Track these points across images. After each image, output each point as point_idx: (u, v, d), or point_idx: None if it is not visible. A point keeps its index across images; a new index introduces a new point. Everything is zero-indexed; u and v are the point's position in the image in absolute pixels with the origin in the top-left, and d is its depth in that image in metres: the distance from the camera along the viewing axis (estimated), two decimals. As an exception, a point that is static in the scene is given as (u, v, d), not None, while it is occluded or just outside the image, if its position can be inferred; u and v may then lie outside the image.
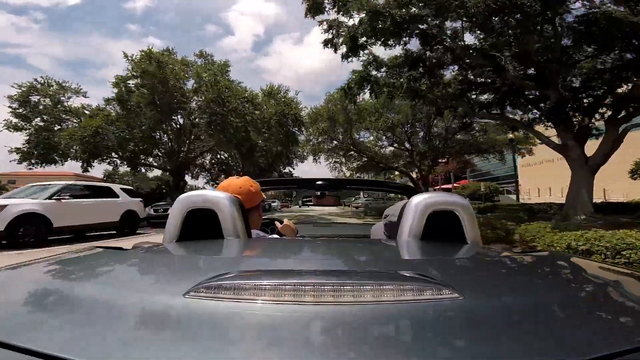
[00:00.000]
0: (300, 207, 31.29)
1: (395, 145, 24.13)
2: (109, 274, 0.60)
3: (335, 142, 23.99)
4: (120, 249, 0.77)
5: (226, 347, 0.32)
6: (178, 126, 18.40)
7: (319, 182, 1.90)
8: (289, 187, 3.20)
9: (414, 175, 24.90)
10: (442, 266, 0.64)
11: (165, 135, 18.86)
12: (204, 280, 0.42)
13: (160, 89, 16.06)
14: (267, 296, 0.39)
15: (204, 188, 33.85)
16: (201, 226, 0.88)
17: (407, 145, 23.40)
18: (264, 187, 1.56)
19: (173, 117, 17.36)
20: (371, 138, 24.94)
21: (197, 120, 17.34)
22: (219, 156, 30.42)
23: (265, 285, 0.41)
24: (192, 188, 26.15)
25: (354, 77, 16.67)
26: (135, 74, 16.29)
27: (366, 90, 17.51)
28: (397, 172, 29.70)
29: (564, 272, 0.67)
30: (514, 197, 33.38)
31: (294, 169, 42.37)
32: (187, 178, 34.96)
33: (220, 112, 16.40)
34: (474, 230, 0.87)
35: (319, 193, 1.97)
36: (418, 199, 0.88)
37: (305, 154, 25.96)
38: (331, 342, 0.33)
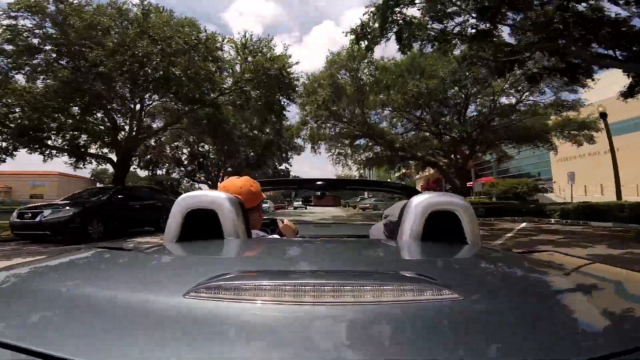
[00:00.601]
0: (295, 209, 25.62)
1: (416, 128, 18.44)
2: (109, 274, 0.59)
3: (339, 125, 18.25)
4: (121, 249, 0.78)
5: (226, 348, 0.32)
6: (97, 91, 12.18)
7: (319, 182, 1.96)
8: (289, 188, 3.25)
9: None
10: (442, 266, 0.64)
11: (78, 104, 12.77)
12: (204, 281, 0.42)
13: (52, 32, 10.26)
14: (267, 296, 0.39)
15: (172, 182, 29.21)
16: (201, 226, 0.87)
17: (433, 128, 17.75)
18: (264, 187, 1.47)
19: (93, 79, 11.31)
20: (384, 124, 19.27)
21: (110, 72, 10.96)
22: (195, 147, 24.85)
23: (265, 285, 0.41)
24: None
25: (374, 8, 11.09)
26: (14, 12, 10.33)
27: (390, 33, 11.92)
28: (413, 168, 23.96)
29: (564, 272, 0.66)
30: (549, 195, 28.40)
31: (291, 165, 36.96)
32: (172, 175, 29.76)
33: (139, 54, 10.43)
34: (474, 230, 0.86)
35: (319, 193, 2.01)
36: (418, 199, 0.87)
37: (302, 141, 20.18)
38: (331, 343, 0.33)
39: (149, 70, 11.20)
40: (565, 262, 0.73)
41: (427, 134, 18.11)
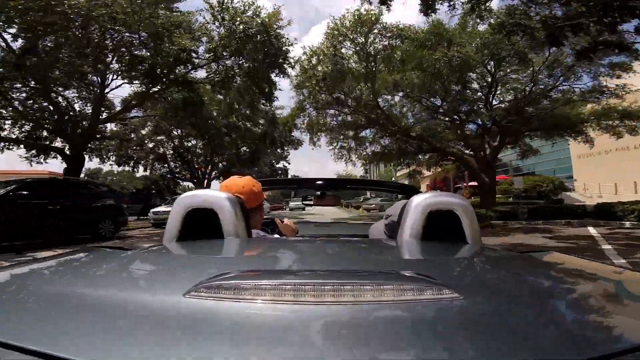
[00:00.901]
0: (292, 210, 22.92)
1: (432, 117, 15.74)
2: (109, 274, 0.59)
3: (342, 113, 15.57)
4: (121, 248, 0.78)
5: (226, 347, 0.33)
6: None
7: (319, 182, 1.98)
8: (289, 187, 2.97)
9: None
10: (442, 266, 0.64)
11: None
12: (204, 280, 0.42)
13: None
14: (267, 296, 0.39)
15: (168, 182, 26.48)
16: (201, 226, 0.86)
17: (454, 116, 15.07)
18: (264, 187, 1.43)
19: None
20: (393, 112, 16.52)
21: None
22: (179, 141, 22.14)
23: (265, 285, 0.41)
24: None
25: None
26: None
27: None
28: (425, 164, 21.24)
29: (565, 272, 0.67)
30: (571, 194, 25.97)
31: (289, 163, 34.27)
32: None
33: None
34: (474, 230, 0.85)
35: (319, 193, 1.99)
36: (418, 199, 0.87)
37: (299, 133, 17.47)
38: (331, 342, 0.33)
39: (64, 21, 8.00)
40: (565, 262, 0.74)
41: (446, 121, 15.37)
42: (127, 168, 22.71)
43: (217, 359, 0.30)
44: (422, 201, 0.85)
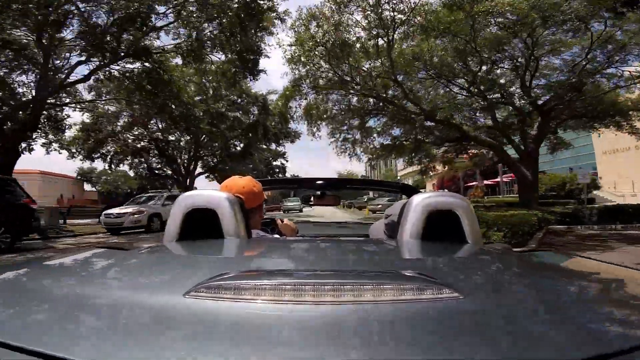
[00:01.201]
0: (287, 211, 20.35)
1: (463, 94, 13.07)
2: (109, 274, 0.60)
3: (347, 97, 12.91)
4: (121, 249, 0.78)
5: (226, 347, 0.32)
6: None
7: (319, 182, 1.99)
8: (289, 187, 3.03)
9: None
10: (442, 266, 0.64)
11: None
12: (204, 280, 0.42)
13: None
14: (267, 296, 0.39)
15: (164, 181, 23.96)
16: (201, 226, 0.87)
17: (482, 101, 12.43)
18: (264, 187, 1.44)
19: None
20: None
21: None
22: (160, 134, 19.47)
23: (265, 285, 0.41)
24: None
25: None
26: None
27: None
28: (439, 159, 18.52)
29: (565, 271, 0.67)
30: (600, 193, 23.53)
31: (287, 160, 31.58)
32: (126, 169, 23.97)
33: None
34: (474, 229, 0.85)
35: (319, 193, 2.01)
36: (418, 199, 0.87)
37: (297, 122, 14.74)
38: (331, 342, 0.33)
39: None
40: (565, 262, 0.72)
41: (477, 104, 12.70)
42: (103, 164, 20.10)
43: (217, 359, 0.30)
44: (422, 201, 0.85)
